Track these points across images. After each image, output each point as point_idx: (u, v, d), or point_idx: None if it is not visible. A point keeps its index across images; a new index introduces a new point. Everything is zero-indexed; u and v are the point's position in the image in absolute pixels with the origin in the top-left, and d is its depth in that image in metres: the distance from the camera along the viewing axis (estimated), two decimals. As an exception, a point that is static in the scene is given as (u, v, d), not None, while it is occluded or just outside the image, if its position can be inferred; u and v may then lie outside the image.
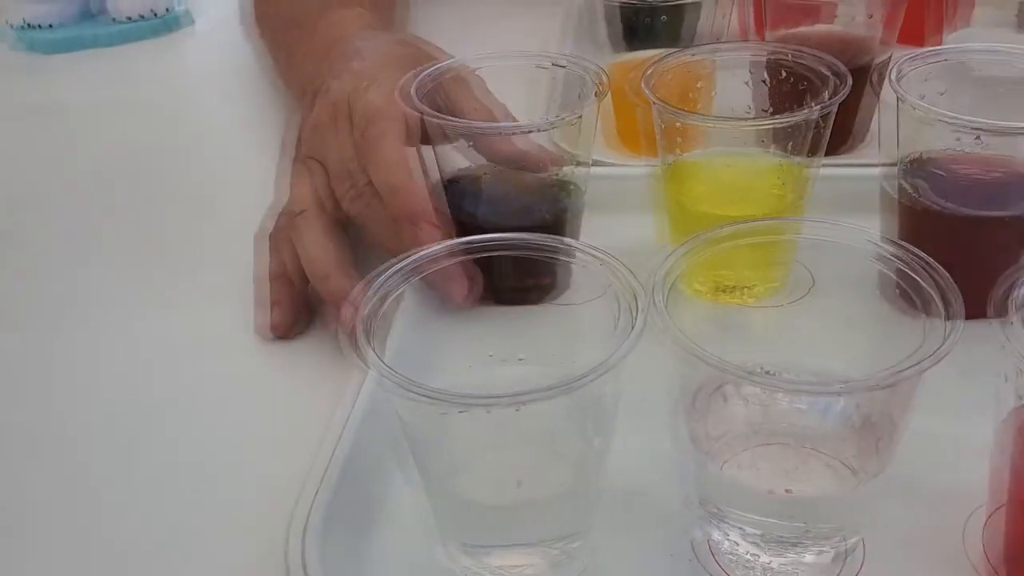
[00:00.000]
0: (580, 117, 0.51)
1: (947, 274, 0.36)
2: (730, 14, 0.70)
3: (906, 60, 0.53)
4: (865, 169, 0.59)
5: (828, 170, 0.62)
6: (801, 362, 0.43)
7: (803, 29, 0.67)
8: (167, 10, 0.98)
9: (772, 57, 0.57)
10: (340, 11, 0.70)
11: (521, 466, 0.40)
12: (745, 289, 0.54)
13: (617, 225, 0.58)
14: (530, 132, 0.51)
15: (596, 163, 0.64)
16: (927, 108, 0.49)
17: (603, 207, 0.60)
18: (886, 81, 0.51)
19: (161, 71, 0.94)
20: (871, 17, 0.65)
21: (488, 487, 0.40)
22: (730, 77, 0.60)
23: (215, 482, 0.47)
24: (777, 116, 0.50)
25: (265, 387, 0.53)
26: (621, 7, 0.69)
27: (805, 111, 0.50)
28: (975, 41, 0.67)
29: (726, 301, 0.55)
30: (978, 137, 0.48)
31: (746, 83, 0.59)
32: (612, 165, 0.66)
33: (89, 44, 0.95)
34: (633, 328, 0.35)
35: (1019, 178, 0.50)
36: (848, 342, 0.43)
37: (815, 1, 0.66)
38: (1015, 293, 0.36)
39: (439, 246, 0.42)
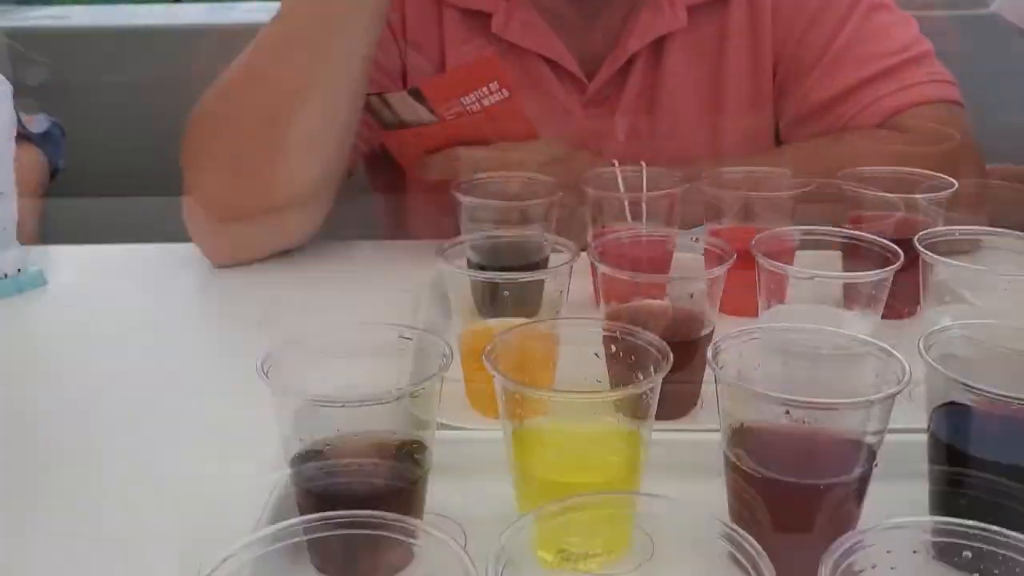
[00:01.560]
0: (423, 388, 0.53)
1: (756, 543, 0.39)
2: (567, 289, 0.75)
3: (724, 338, 0.58)
4: (706, 434, 0.63)
5: (672, 435, 0.66)
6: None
7: (634, 304, 0.73)
8: (18, 270, 0.98)
9: (606, 334, 0.61)
10: None
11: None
12: (590, 557, 0.55)
13: (472, 491, 0.60)
14: (378, 404, 0.52)
15: (449, 427, 0.67)
16: (739, 385, 0.53)
17: (457, 470, 0.61)
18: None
19: (9, 332, 0.93)
20: (692, 296, 0.72)
21: None
22: (582, 348, 0.64)
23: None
24: (603, 391, 0.53)
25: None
26: (472, 281, 0.74)
27: (631, 387, 0.54)
28: (790, 317, 0.74)
29: (571, 569, 0.56)
30: (787, 411, 0.52)
31: (595, 354, 0.63)
32: (464, 429, 0.68)
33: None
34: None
35: (830, 447, 0.54)
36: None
37: (638, 280, 0.72)
38: (840, 568, 0.38)
39: (279, 527, 0.42)
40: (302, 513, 0.50)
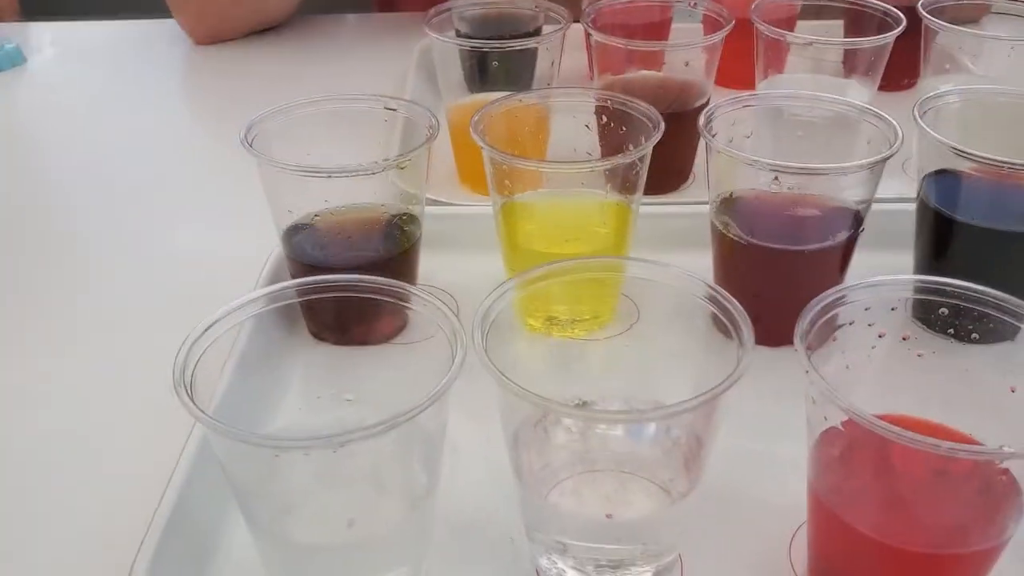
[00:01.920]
0: (410, 160, 0.52)
1: (739, 304, 0.39)
2: (559, 60, 0.73)
3: (717, 106, 0.57)
4: (696, 207, 0.63)
5: (661, 208, 0.66)
6: (625, 390, 0.46)
7: (628, 75, 0.71)
8: (-3, 47, 0.95)
9: (597, 103, 0.60)
10: None
11: (351, 505, 0.41)
12: (576, 323, 0.57)
13: (462, 263, 0.61)
14: (361, 174, 0.52)
15: (439, 203, 0.67)
16: (728, 151, 0.52)
17: (448, 244, 0.62)
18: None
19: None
20: (687, 65, 0.70)
21: (318, 528, 0.41)
22: (572, 120, 0.63)
23: (47, 527, 0.46)
24: (591, 160, 0.53)
25: (104, 431, 0.52)
26: (460, 51, 0.71)
27: (619, 156, 0.53)
28: (787, 86, 0.72)
29: (558, 335, 0.58)
30: (776, 177, 0.52)
31: (586, 126, 0.62)
32: (455, 204, 0.68)
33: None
34: (452, 366, 0.37)
35: (816, 213, 0.55)
36: (669, 370, 0.46)
37: (636, 48, 0.70)
38: (817, 323, 0.39)
39: (272, 288, 0.43)
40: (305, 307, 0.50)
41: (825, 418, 0.37)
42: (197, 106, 0.95)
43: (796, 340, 0.37)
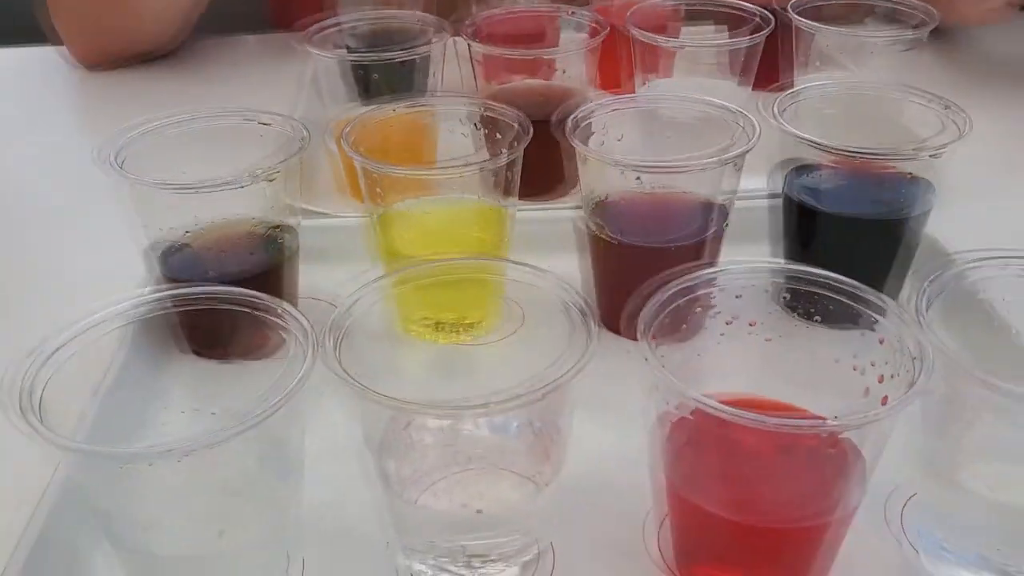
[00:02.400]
0: (279, 171, 0.52)
1: (583, 296, 0.40)
2: (441, 72, 0.74)
3: (582, 110, 0.58)
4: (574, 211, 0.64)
5: (539, 213, 0.67)
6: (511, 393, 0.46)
7: (510, 85, 0.73)
8: None
9: (470, 111, 0.61)
10: None
11: (217, 516, 0.41)
12: (461, 328, 0.57)
13: (348, 274, 0.61)
14: (229, 188, 0.52)
15: (326, 215, 0.67)
16: (589, 152, 0.54)
17: (335, 256, 0.62)
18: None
19: None
20: (565, 72, 0.71)
21: (184, 540, 0.40)
22: (451, 131, 0.64)
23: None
24: (459, 165, 0.53)
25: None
26: (343, 66, 0.72)
27: (488, 160, 0.54)
28: (664, 90, 0.74)
29: (444, 341, 0.58)
30: (639, 177, 0.53)
31: (462, 135, 0.63)
32: (339, 216, 0.68)
33: None
34: (300, 372, 0.37)
35: (682, 211, 0.56)
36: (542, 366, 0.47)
37: (508, 56, 0.71)
38: (662, 313, 0.41)
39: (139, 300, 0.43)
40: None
41: (668, 403, 0.38)
42: (83, 132, 0.94)
43: (639, 331, 0.38)
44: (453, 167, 0.54)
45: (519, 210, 0.59)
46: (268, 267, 0.56)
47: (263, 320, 0.43)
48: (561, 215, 0.66)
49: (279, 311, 0.42)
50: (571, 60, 0.71)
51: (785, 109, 0.58)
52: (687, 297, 0.42)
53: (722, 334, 0.43)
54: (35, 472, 0.44)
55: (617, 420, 0.49)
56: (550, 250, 0.57)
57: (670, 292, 0.41)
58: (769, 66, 0.78)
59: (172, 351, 0.53)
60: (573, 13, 0.77)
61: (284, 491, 0.41)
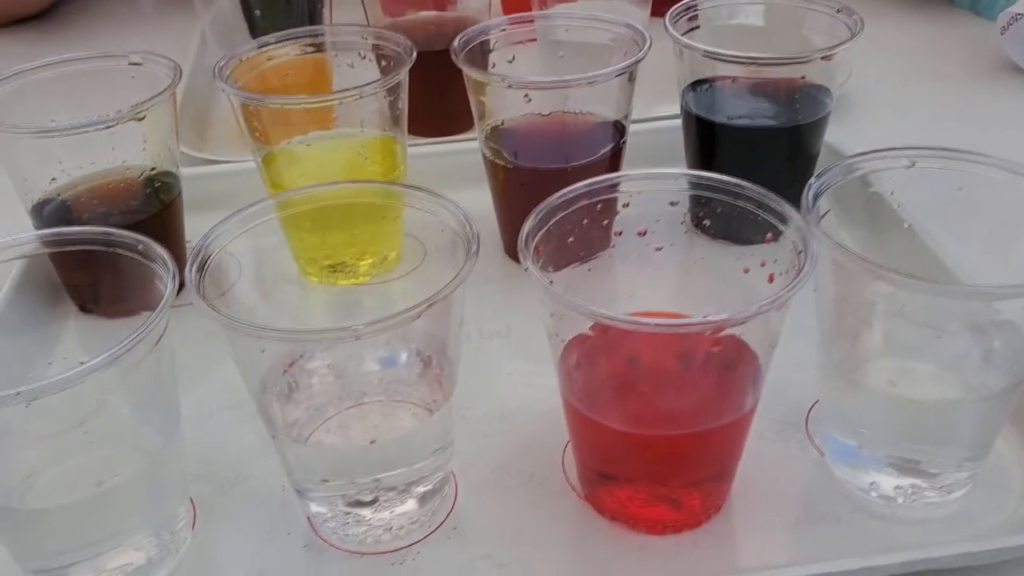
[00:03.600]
0: (148, 110, 0.50)
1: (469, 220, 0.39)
2: (330, 8, 0.71)
3: (471, 30, 0.56)
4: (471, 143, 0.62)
5: (435, 147, 0.65)
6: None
7: (406, 18, 0.70)
8: None
9: (360, 41, 0.58)
10: None
11: (98, 466, 0.39)
12: (359, 267, 0.55)
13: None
14: (95, 128, 0.49)
15: (216, 161, 0.64)
16: (477, 73, 0.52)
17: (218, 205, 0.59)
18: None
19: None
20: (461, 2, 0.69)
21: (63, 490, 0.38)
22: (342, 65, 0.61)
23: None
24: (341, 93, 0.51)
25: None
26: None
27: (365, 85, 0.51)
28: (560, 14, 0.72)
29: (344, 282, 0.56)
30: (527, 95, 0.51)
31: (349, 64, 0.60)
32: (223, 163, 0.65)
33: None
34: (162, 303, 0.35)
35: (579, 131, 0.54)
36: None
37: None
38: (544, 228, 0.39)
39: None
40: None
41: (562, 321, 0.37)
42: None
43: (520, 247, 0.37)
44: (332, 96, 0.51)
45: (419, 145, 0.57)
46: (148, 216, 0.53)
47: (146, 266, 0.40)
48: (468, 147, 0.64)
49: (157, 253, 0.39)
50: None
51: (678, 20, 0.56)
52: (567, 211, 0.40)
53: (613, 246, 0.42)
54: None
55: (529, 349, 0.47)
56: (457, 184, 0.55)
57: (551, 206, 0.39)
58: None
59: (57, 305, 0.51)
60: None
61: (160, 438, 0.39)
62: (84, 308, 0.53)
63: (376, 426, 0.43)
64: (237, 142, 0.71)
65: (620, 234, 0.42)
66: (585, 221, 0.41)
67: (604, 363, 0.39)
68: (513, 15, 0.60)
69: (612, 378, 0.40)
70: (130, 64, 0.55)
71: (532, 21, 0.59)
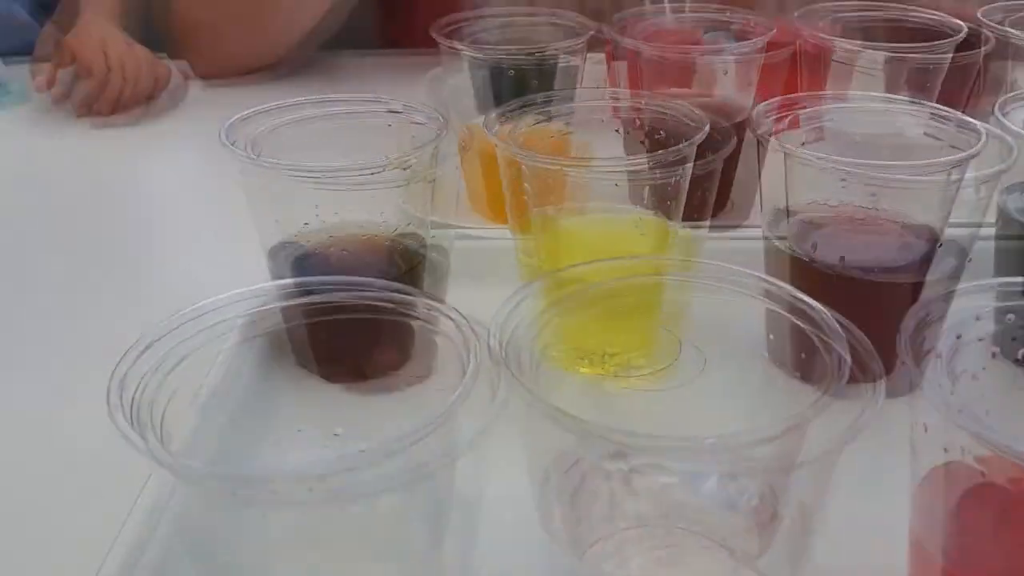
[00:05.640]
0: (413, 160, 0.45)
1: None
2: (582, 71, 0.66)
3: (767, 105, 0.50)
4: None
5: (713, 234, 0.55)
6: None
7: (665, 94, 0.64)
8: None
9: (636, 113, 0.53)
10: None
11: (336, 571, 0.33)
12: (632, 367, 0.48)
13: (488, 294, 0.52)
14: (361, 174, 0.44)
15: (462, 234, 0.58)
16: (801, 154, 0.45)
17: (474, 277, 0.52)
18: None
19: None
20: (724, 76, 0.63)
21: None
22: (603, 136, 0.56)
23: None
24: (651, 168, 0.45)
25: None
26: (472, 71, 0.65)
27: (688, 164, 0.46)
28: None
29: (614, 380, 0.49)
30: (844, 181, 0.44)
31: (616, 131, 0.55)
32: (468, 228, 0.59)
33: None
34: (456, 394, 0.29)
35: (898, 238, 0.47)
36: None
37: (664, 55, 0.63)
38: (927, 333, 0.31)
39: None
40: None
41: (945, 449, 0.29)
42: (198, 142, 0.89)
43: (902, 354, 0.29)
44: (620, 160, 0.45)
45: (694, 229, 0.50)
46: (395, 273, 0.48)
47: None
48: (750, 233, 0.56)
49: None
50: (742, 70, 0.63)
51: (1007, 113, 0.48)
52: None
53: (983, 368, 0.34)
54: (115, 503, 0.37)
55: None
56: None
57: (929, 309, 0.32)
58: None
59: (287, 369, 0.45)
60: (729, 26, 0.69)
61: (419, 544, 0.32)
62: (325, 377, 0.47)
63: (660, 559, 0.35)
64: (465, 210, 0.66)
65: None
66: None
67: (986, 506, 0.31)
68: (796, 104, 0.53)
69: (988, 530, 0.31)
70: (388, 111, 0.51)
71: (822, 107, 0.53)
